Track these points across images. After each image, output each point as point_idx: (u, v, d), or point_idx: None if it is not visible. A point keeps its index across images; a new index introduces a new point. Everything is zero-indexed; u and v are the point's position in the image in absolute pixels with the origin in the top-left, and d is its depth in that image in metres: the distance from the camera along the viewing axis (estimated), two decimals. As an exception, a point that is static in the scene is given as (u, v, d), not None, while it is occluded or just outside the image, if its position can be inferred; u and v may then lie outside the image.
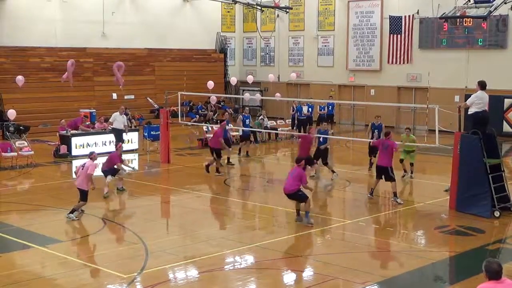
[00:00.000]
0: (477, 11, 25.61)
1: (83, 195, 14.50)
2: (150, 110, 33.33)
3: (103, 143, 23.69)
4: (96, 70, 32.80)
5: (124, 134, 23.45)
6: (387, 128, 19.89)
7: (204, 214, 15.84)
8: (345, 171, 20.26)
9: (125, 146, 23.79)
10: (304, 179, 14.14)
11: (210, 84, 28.71)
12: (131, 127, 25.80)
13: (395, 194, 16.16)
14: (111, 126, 23.46)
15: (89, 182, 14.49)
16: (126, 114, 25.61)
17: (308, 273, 11.37)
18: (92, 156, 14.86)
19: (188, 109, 33.96)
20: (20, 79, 25.12)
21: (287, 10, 36.22)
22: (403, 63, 32.81)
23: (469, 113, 15.40)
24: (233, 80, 34.27)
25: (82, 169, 14.55)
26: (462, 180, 15.18)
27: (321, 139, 19.12)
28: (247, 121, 24.66)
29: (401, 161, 19.31)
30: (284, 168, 22.30)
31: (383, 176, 16.34)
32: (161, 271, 11.06)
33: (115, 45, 33.67)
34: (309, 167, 18.43)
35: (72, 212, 14.44)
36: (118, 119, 23.25)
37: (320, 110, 29.79)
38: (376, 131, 20.01)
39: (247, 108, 26.80)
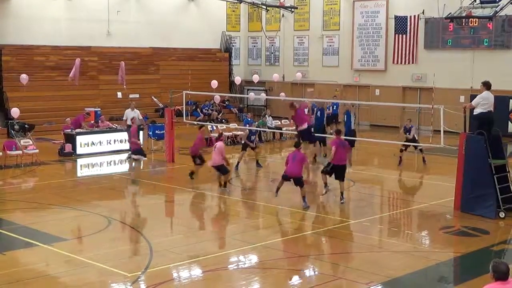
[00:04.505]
0: (483, 11, 25.50)
1: (223, 169, 17.06)
2: (155, 109, 33.35)
3: (108, 141, 23.75)
4: (101, 68, 32.80)
5: (141, 126, 23.54)
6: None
7: (208, 213, 15.87)
8: (350, 171, 20.17)
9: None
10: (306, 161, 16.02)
11: (214, 83, 28.67)
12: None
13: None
14: (128, 123, 23.54)
15: (222, 158, 16.93)
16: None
17: (312, 273, 11.35)
18: (221, 138, 18.23)
19: (193, 107, 33.93)
20: (24, 77, 25.10)
21: (292, 9, 36.17)
22: (408, 63, 32.74)
23: (474, 113, 15.33)
24: (237, 79, 34.23)
25: (215, 149, 17.11)
26: (467, 180, 15.14)
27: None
28: (247, 125, 22.52)
29: None
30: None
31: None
32: (165, 270, 11.06)
33: (120, 44, 33.66)
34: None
35: (225, 186, 17.16)
36: (130, 116, 23.38)
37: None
38: (407, 133, 21.84)
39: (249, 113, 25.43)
